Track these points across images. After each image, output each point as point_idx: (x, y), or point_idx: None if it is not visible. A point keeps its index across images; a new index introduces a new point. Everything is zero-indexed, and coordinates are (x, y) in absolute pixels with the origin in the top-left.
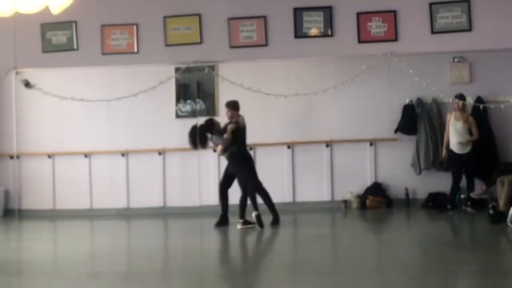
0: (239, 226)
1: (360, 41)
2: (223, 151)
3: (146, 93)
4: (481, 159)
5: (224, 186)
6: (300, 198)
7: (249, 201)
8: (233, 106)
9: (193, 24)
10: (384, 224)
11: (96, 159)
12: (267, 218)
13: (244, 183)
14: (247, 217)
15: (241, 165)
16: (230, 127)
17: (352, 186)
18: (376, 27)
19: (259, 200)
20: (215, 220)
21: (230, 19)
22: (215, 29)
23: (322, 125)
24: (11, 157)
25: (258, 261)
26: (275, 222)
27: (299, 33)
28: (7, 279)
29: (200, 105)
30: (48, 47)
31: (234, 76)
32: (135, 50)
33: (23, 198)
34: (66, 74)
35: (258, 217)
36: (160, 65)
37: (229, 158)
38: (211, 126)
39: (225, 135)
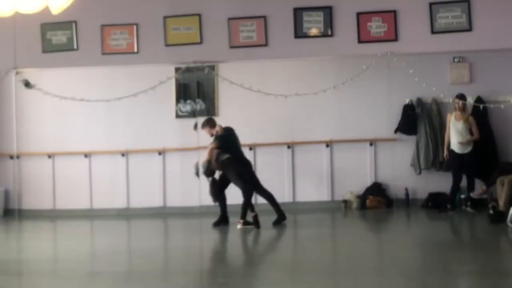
0: (239, 226)
1: (360, 41)
2: (216, 166)
3: (146, 93)
4: (481, 159)
5: (220, 188)
6: (300, 198)
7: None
8: (206, 123)
9: (193, 24)
10: (384, 224)
11: (96, 159)
12: (270, 218)
13: (248, 184)
14: (248, 218)
15: (231, 171)
16: (209, 148)
17: (352, 186)
18: (376, 27)
19: (263, 200)
20: (214, 220)
21: (230, 19)
22: (215, 29)
23: (322, 125)
24: (11, 157)
25: (258, 261)
26: (279, 221)
27: (299, 33)
28: (7, 279)
29: (200, 105)
30: (48, 47)
31: (234, 76)
32: (135, 50)
33: (23, 198)
34: (66, 74)
35: (255, 217)
36: (160, 65)
37: (221, 167)
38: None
39: (205, 159)
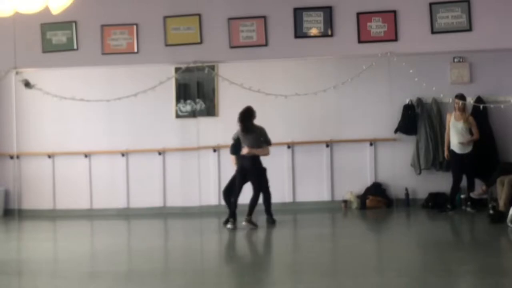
0: (244, 223)
1: (360, 41)
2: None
3: (146, 93)
4: (481, 159)
5: (228, 193)
6: (300, 198)
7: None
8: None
9: (193, 24)
10: (384, 224)
11: (96, 159)
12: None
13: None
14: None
15: (262, 169)
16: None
17: (352, 186)
18: (376, 27)
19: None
20: (215, 220)
21: (230, 19)
22: (215, 29)
23: (322, 125)
24: (11, 157)
25: (258, 261)
26: (272, 222)
27: (299, 33)
28: (7, 279)
29: (200, 105)
30: (48, 47)
31: (234, 76)
32: (135, 50)
33: (23, 198)
34: (66, 74)
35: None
36: (160, 65)
37: (255, 160)
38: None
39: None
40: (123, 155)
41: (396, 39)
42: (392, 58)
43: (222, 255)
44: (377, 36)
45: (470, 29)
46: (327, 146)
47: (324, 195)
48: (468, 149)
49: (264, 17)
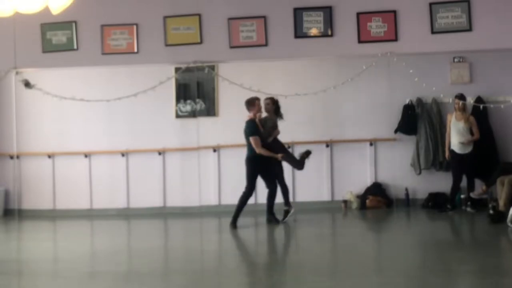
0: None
1: (360, 41)
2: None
3: (146, 93)
4: (481, 159)
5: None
6: (300, 198)
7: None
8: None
9: (193, 24)
10: (384, 224)
11: (96, 159)
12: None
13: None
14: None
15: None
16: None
17: (352, 186)
18: (376, 27)
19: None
20: (214, 220)
21: (230, 19)
22: (215, 29)
23: (322, 125)
24: (11, 157)
25: (257, 261)
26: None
27: (299, 33)
28: (7, 279)
29: (200, 105)
30: (48, 47)
31: (234, 76)
32: (135, 50)
33: (23, 198)
34: (66, 74)
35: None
36: (160, 65)
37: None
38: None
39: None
40: (123, 155)
41: (396, 39)
42: (392, 58)
43: (222, 255)
44: (377, 36)
45: (470, 29)
46: (327, 146)
47: (324, 195)
48: (468, 149)
49: (264, 17)
